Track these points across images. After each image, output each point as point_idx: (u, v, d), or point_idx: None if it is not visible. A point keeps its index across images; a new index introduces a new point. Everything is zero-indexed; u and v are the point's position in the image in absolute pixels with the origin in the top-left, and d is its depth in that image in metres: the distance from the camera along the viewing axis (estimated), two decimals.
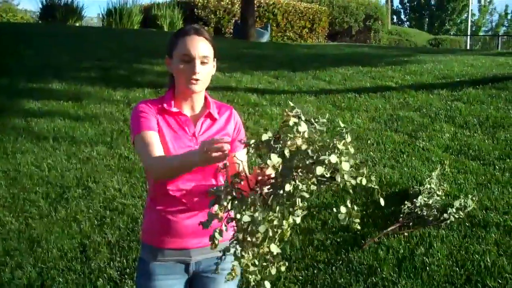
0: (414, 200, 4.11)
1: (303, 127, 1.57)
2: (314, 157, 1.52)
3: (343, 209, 1.58)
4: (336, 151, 1.51)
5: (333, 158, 1.49)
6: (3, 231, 4.30)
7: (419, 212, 4.05)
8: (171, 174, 2.05)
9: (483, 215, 4.10)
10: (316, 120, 1.63)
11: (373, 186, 1.57)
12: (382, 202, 1.66)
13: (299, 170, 1.53)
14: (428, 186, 4.27)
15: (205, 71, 2.11)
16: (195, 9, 17.47)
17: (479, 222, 4.03)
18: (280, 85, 8.06)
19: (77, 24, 17.47)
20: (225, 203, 1.61)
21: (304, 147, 1.56)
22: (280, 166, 1.55)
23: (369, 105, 6.88)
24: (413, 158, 5.16)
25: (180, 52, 2.09)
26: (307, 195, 1.54)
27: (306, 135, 1.57)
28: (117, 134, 6.09)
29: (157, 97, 2.30)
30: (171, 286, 2.19)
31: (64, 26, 15.50)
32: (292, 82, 8.24)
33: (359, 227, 1.70)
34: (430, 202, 4.10)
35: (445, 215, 4.01)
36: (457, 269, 3.54)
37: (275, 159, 1.54)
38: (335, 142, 1.53)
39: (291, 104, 1.68)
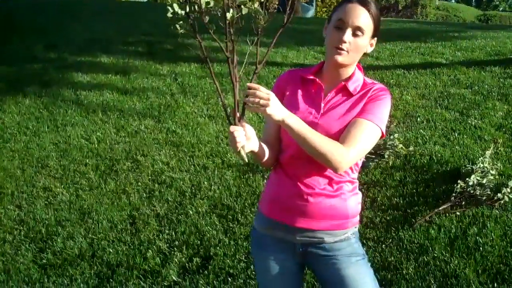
0: (467, 179, 4.00)
1: None
2: None
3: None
4: None
5: None
6: (54, 201, 4.40)
7: (471, 192, 3.94)
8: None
9: None
10: None
11: None
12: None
13: None
14: (481, 165, 4.15)
15: (356, 44, 1.91)
16: None
17: None
18: None
19: None
20: None
21: None
22: None
23: (418, 82, 6.72)
24: (465, 137, 5.02)
25: (336, 17, 1.92)
26: None
27: None
28: (164, 108, 6.11)
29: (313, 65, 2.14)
30: (283, 261, 2.06)
31: (110, 1, 15.60)
32: None
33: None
34: (484, 181, 3.98)
35: (498, 195, 3.89)
36: (511, 250, 3.44)
37: None
38: None
39: None
